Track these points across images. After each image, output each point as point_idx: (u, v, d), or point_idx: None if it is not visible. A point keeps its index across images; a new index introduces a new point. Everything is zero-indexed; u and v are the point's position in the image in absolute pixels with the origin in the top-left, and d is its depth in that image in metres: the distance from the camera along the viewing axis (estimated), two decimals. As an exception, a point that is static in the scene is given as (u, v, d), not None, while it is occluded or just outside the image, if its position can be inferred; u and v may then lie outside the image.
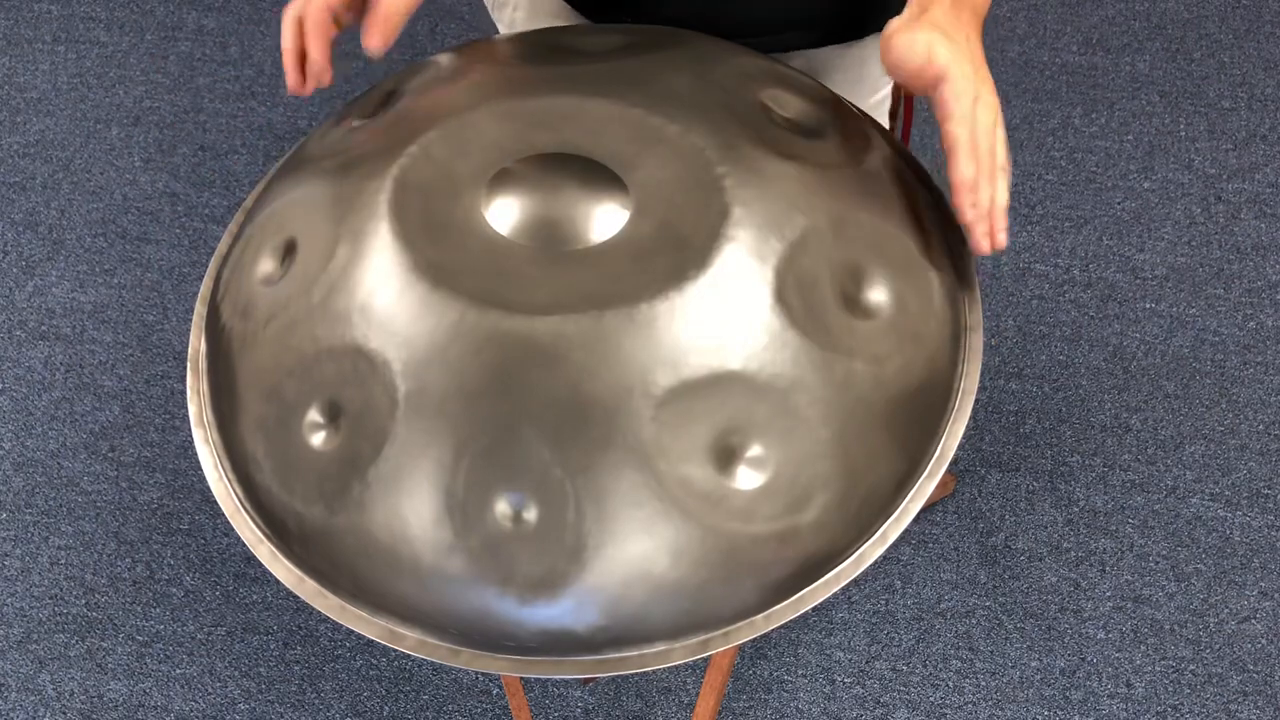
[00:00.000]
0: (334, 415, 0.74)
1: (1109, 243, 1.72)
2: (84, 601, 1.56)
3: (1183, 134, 1.80)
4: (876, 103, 1.07)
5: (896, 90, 1.16)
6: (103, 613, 1.55)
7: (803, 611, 0.75)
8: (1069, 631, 1.48)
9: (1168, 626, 1.48)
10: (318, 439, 0.74)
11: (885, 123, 1.12)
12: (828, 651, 1.48)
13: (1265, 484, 1.55)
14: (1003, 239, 0.82)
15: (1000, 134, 0.81)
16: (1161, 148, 1.79)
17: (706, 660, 1.43)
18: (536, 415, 0.70)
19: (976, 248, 0.80)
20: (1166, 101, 1.83)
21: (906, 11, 0.81)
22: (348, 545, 0.74)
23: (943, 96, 0.79)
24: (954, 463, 1.58)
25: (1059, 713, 1.44)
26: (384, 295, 0.74)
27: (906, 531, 1.54)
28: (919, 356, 0.77)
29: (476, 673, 1.49)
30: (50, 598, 1.56)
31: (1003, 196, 0.81)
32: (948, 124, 0.79)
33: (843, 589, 1.52)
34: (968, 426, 1.61)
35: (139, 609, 1.55)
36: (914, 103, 1.17)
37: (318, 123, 1.91)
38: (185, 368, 1.71)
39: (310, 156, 0.85)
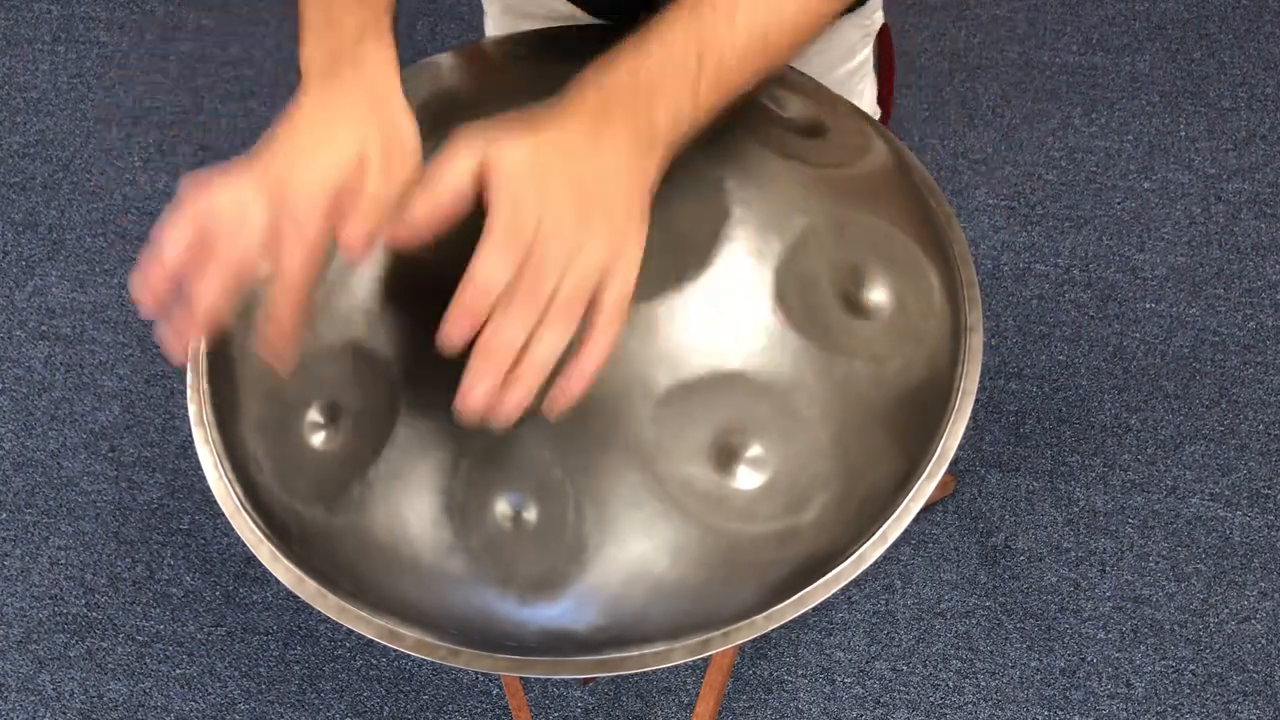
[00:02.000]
0: (334, 415, 0.74)
1: (1109, 243, 1.72)
2: (84, 601, 1.56)
3: (1183, 134, 1.81)
4: (855, 68, 1.04)
5: (877, 53, 1.14)
6: (103, 613, 1.55)
7: (803, 611, 0.75)
8: (1069, 631, 1.48)
9: (1168, 626, 1.48)
10: (318, 439, 0.74)
11: (869, 90, 1.09)
12: (828, 651, 1.48)
13: (1265, 484, 1.55)
14: (510, 406, 0.58)
15: (578, 268, 0.58)
16: (1161, 148, 1.79)
17: (706, 660, 1.43)
18: (536, 415, 0.70)
19: (461, 400, 0.58)
20: (1166, 101, 1.83)
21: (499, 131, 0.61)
22: (348, 545, 0.74)
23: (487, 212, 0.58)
24: (954, 463, 1.58)
25: (1059, 713, 1.44)
26: (384, 295, 0.74)
27: (906, 531, 1.54)
28: (919, 356, 0.77)
29: (476, 673, 1.49)
30: (50, 598, 1.56)
31: (545, 349, 0.58)
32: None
33: (843, 589, 1.52)
34: (968, 426, 1.61)
35: (139, 609, 1.55)
36: (893, 66, 1.14)
37: (318, 123, 1.91)
38: (185, 368, 1.71)
39: (310, 156, 0.85)
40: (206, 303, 0.59)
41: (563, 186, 0.60)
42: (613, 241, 0.60)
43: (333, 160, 0.61)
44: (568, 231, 0.59)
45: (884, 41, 1.11)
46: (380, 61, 0.67)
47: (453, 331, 0.59)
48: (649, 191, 0.64)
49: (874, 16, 1.04)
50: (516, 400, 0.59)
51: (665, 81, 0.65)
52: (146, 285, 0.59)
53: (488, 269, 0.58)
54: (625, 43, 0.66)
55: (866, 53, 1.06)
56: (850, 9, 0.98)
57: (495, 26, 1.09)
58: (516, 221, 0.58)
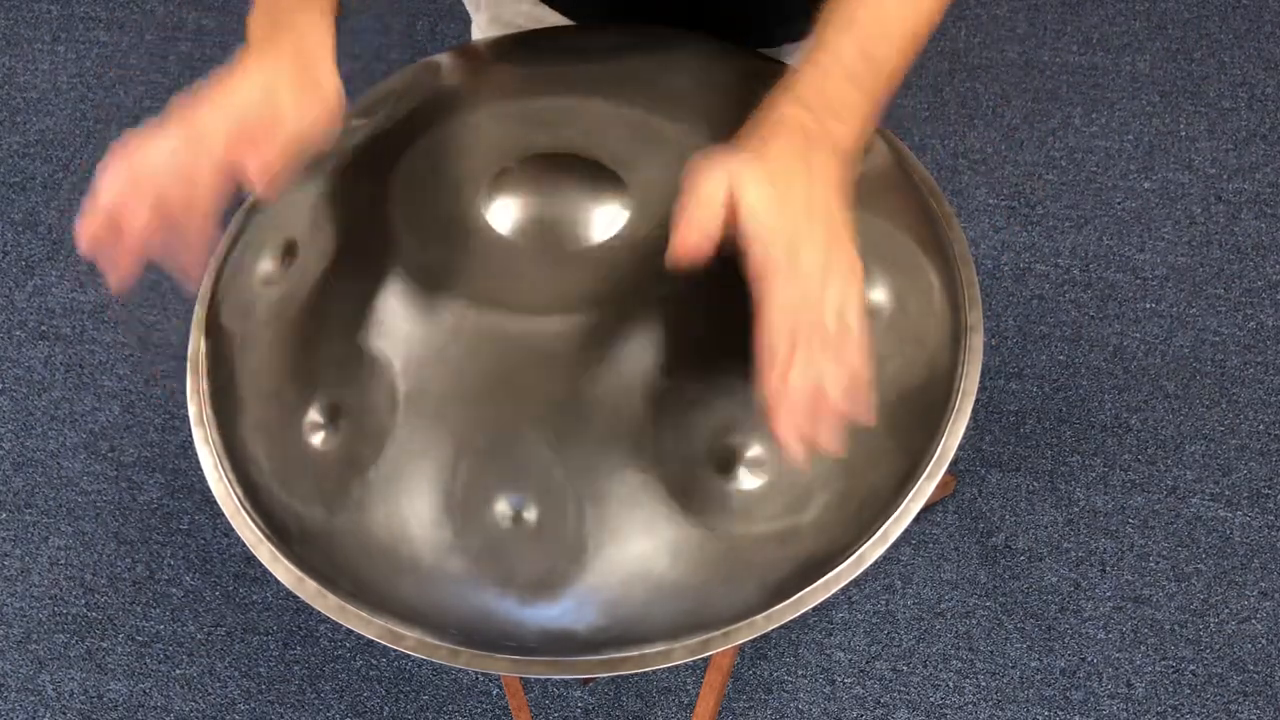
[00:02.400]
0: (334, 416, 0.74)
1: (1109, 243, 1.72)
2: (84, 601, 1.56)
3: (1183, 134, 1.80)
4: None
5: None
6: (103, 613, 1.55)
7: (803, 611, 0.75)
8: (1069, 631, 1.48)
9: (1168, 626, 1.48)
10: (318, 439, 0.74)
11: None
12: (828, 651, 1.48)
13: (1265, 484, 1.55)
14: (828, 439, 0.62)
15: (835, 295, 0.63)
16: (1161, 148, 1.79)
17: (706, 660, 1.43)
18: (536, 416, 0.70)
19: (780, 441, 0.63)
20: (1166, 101, 1.83)
21: (728, 152, 0.67)
22: (348, 545, 0.74)
23: (750, 249, 0.64)
24: (954, 463, 1.58)
25: (1059, 713, 1.44)
26: (384, 296, 0.74)
27: (906, 531, 1.54)
28: (919, 357, 0.77)
29: (476, 673, 1.49)
30: (50, 598, 1.56)
31: (833, 385, 0.62)
32: (757, 284, 0.64)
33: (843, 589, 1.52)
34: (968, 426, 1.61)
35: (139, 609, 1.55)
36: None
37: (318, 123, 1.91)
38: (185, 368, 1.71)
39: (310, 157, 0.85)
40: (136, 232, 0.65)
41: (804, 222, 0.64)
42: (848, 259, 0.65)
43: (241, 99, 0.66)
44: (824, 262, 0.64)
45: None
46: (311, 25, 0.71)
47: (775, 366, 0.63)
48: (847, 207, 0.68)
49: None
50: (831, 440, 0.63)
51: (846, 105, 0.70)
52: (85, 228, 0.65)
53: (787, 306, 0.63)
54: (801, 73, 0.71)
55: None
56: None
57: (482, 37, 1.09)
58: (791, 263, 0.63)
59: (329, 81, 0.70)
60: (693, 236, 0.64)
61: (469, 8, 1.07)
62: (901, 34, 0.72)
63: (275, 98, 0.67)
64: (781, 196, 0.64)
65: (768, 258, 0.63)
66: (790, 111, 0.69)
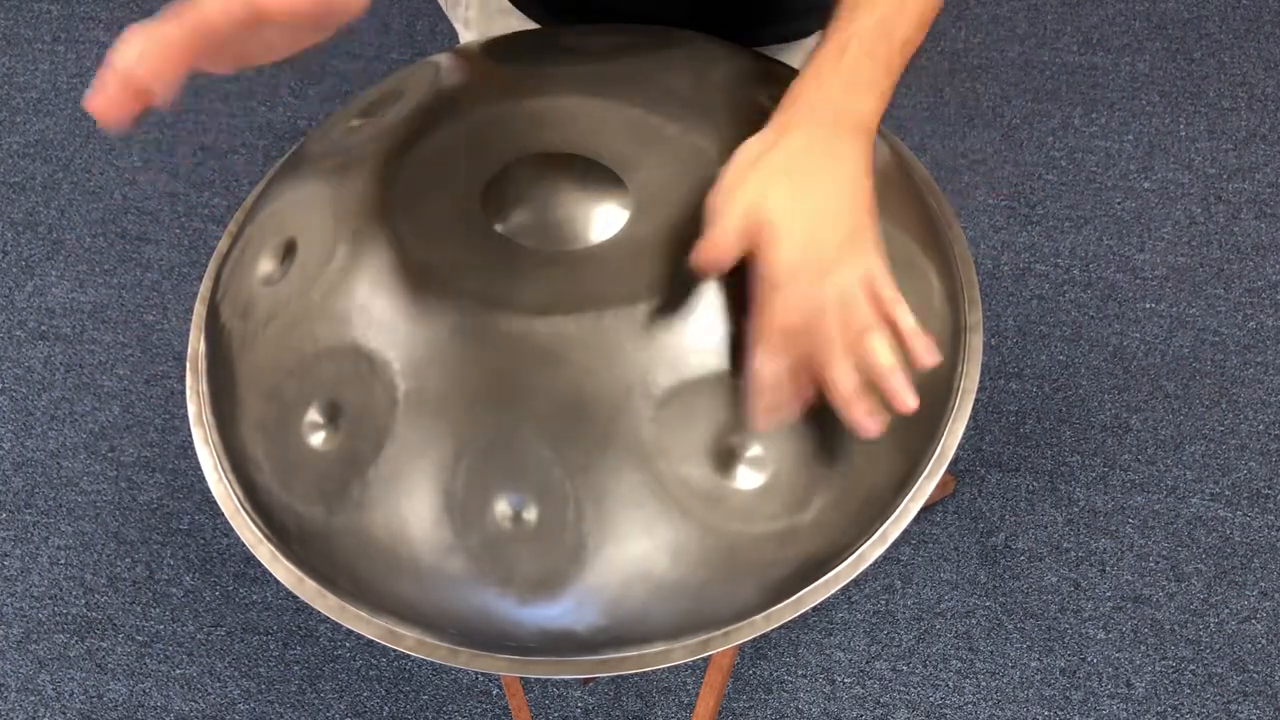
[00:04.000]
0: (334, 415, 0.74)
1: (1109, 243, 1.72)
2: (84, 601, 1.56)
3: (1183, 134, 1.80)
4: None
5: None
6: (103, 613, 1.55)
7: (803, 611, 0.75)
8: (1069, 631, 1.48)
9: (1168, 626, 1.48)
10: (317, 439, 0.74)
11: None
12: (828, 651, 1.48)
13: (1265, 484, 1.55)
14: (908, 399, 0.68)
15: (862, 290, 0.68)
16: (1161, 148, 1.79)
17: (706, 660, 1.43)
18: (536, 415, 0.70)
19: (859, 428, 0.68)
20: (1166, 101, 1.83)
21: (758, 138, 0.71)
22: (347, 545, 0.74)
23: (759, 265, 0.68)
24: (954, 463, 1.58)
25: (1059, 713, 1.44)
26: (384, 295, 0.74)
27: (906, 531, 1.54)
28: (919, 356, 0.77)
29: (476, 673, 1.49)
30: (50, 598, 1.56)
31: (885, 358, 0.68)
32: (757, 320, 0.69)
33: (843, 589, 1.52)
34: (968, 426, 1.61)
35: (139, 609, 1.55)
36: None
37: (318, 122, 1.91)
38: (185, 368, 1.71)
39: (310, 156, 0.85)
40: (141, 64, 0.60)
41: (825, 220, 0.68)
42: (868, 250, 0.68)
43: None
44: (841, 267, 0.67)
45: None
46: None
47: (767, 400, 0.69)
48: (870, 186, 0.71)
49: None
50: (906, 399, 0.68)
51: (867, 78, 0.72)
52: (98, 91, 0.60)
53: (785, 326, 0.67)
54: (820, 53, 0.73)
55: None
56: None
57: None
58: (797, 282, 0.67)
59: None
60: (710, 253, 0.69)
61: (457, 26, 1.07)
62: (919, 11, 0.73)
63: None
64: (800, 202, 0.67)
65: (771, 281, 0.67)
66: (814, 93, 0.71)
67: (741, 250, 0.68)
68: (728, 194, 0.69)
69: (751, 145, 0.70)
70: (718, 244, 0.68)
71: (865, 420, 0.68)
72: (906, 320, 0.68)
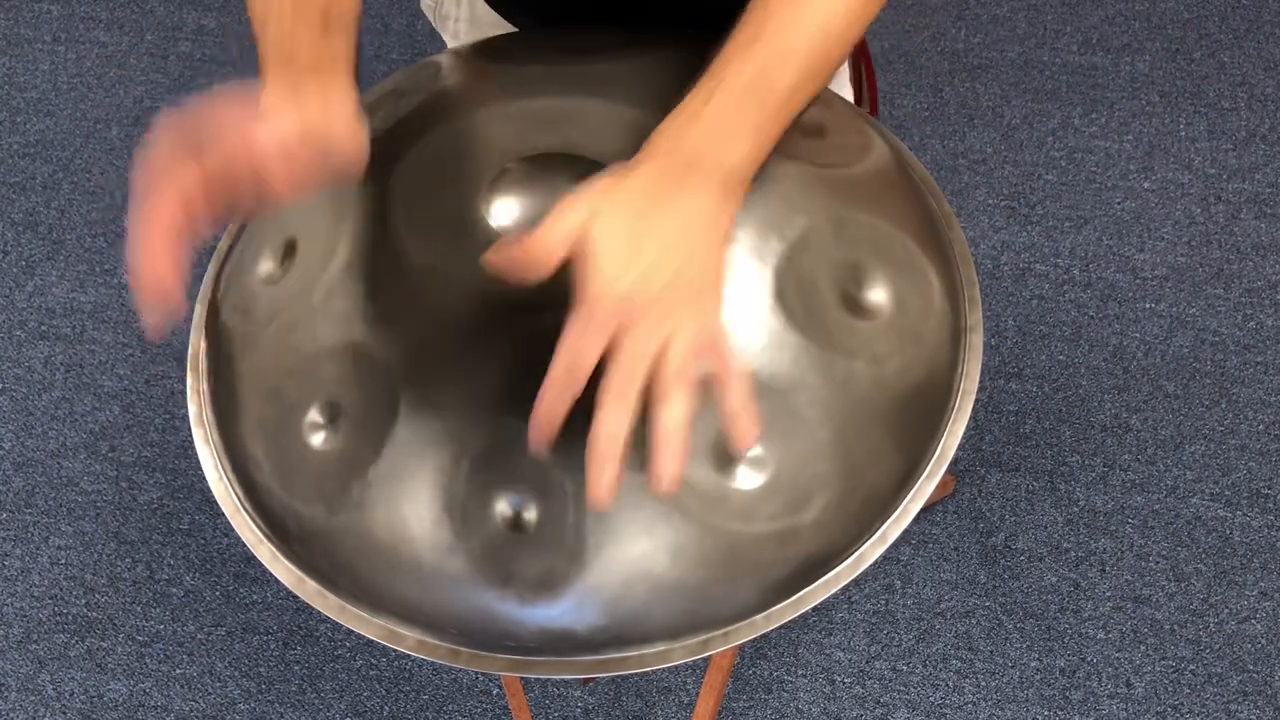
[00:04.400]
0: (334, 415, 0.74)
1: (1109, 243, 1.72)
2: (84, 601, 1.56)
3: (1183, 134, 1.80)
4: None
5: (854, 60, 1.15)
6: (103, 613, 1.55)
7: (803, 611, 0.75)
8: (1069, 631, 1.48)
9: (1168, 626, 1.48)
10: (318, 439, 0.74)
11: (847, 94, 1.11)
12: (828, 651, 1.48)
13: (1265, 484, 1.55)
14: (667, 478, 0.61)
15: (685, 342, 0.63)
16: (1161, 148, 1.79)
17: (706, 660, 1.43)
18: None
19: (593, 495, 0.62)
20: (1166, 101, 1.83)
21: (605, 174, 0.67)
22: (348, 545, 0.74)
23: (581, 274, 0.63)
24: (954, 463, 1.58)
25: (1059, 713, 1.44)
26: (384, 296, 0.74)
27: (906, 531, 1.54)
28: (919, 356, 0.77)
29: (476, 673, 1.49)
30: (50, 598, 1.56)
31: (675, 419, 0.61)
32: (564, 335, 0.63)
33: (843, 589, 1.52)
34: (968, 426, 1.61)
35: (139, 609, 1.55)
36: (875, 77, 1.15)
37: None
38: (185, 368, 1.71)
39: (310, 156, 0.84)
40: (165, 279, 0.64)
41: (655, 257, 0.64)
42: (704, 310, 0.64)
43: (284, 124, 0.66)
44: (663, 307, 0.63)
45: (858, 54, 1.12)
46: (337, 87, 0.70)
47: (544, 416, 0.63)
48: (729, 233, 0.68)
49: None
50: (673, 471, 0.62)
51: (736, 125, 0.68)
52: (152, 320, 0.66)
53: (578, 353, 0.62)
54: (692, 91, 0.70)
55: (842, 67, 1.07)
56: None
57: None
58: (604, 304, 0.62)
59: (356, 125, 0.70)
60: (520, 253, 0.64)
61: (446, 39, 1.08)
62: (808, 55, 0.70)
63: (311, 130, 0.67)
64: (634, 237, 0.64)
65: (586, 295, 0.63)
66: (669, 139, 0.68)
67: (550, 261, 0.64)
68: (559, 209, 0.65)
69: (597, 180, 0.66)
70: (528, 246, 0.64)
71: (600, 487, 0.61)
72: (732, 397, 0.63)
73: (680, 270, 0.64)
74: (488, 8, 1.02)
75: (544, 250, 0.64)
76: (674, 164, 0.67)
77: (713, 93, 0.69)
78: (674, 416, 0.62)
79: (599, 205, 0.65)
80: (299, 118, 0.66)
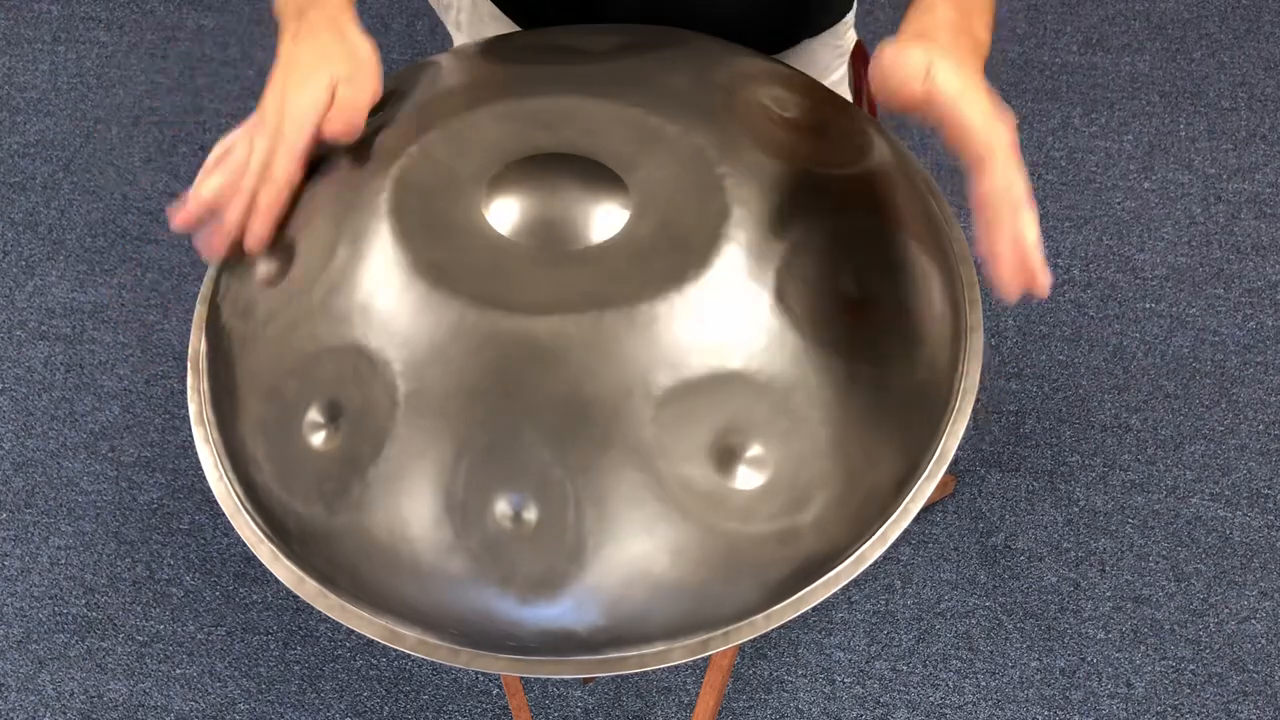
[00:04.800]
0: (334, 415, 0.74)
1: (1109, 243, 1.72)
2: (84, 601, 1.56)
3: (1183, 134, 1.80)
4: (831, 85, 1.07)
5: (853, 62, 1.16)
6: (103, 613, 1.55)
7: (803, 611, 0.75)
8: (1069, 631, 1.48)
9: (1168, 626, 1.48)
10: (318, 439, 0.74)
11: (847, 95, 1.12)
12: (828, 651, 1.48)
13: (1265, 484, 1.55)
14: (1041, 283, 0.71)
15: (1023, 173, 0.73)
16: (1161, 148, 1.79)
17: (706, 660, 1.43)
18: (536, 415, 0.70)
19: (1005, 292, 0.72)
20: (1166, 101, 1.83)
21: (900, 35, 0.75)
22: (348, 545, 0.74)
23: (967, 140, 0.71)
24: (954, 463, 1.58)
25: (1059, 713, 1.44)
26: (384, 295, 0.74)
27: (906, 531, 1.54)
28: (919, 357, 0.77)
29: (476, 673, 1.49)
30: (50, 598, 1.56)
31: (1033, 234, 0.72)
32: (985, 181, 0.71)
33: (843, 589, 1.52)
34: (968, 426, 1.61)
35: (139, 609, 1.55)
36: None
37: (318, 123, 1.91)
38: (185, 368, 1.71)
39: (310, 156, 0.85)
40: (232, 223, 0.79)
41: (996, 108, 0.72)
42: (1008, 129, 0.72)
43: (311, 94, 0.78)
44: (1013, 148, 0.71)
45: (857, 59, 1.12)
46: (347, 20, 0.82)
47: (1004, 239, 0.70)
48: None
49: (846, 36, 1.05)
50: (1042, 284, 0.71)
51: (977, 4, 0.78)
52: (183, 213, 0.79)
53: (1003, 186, 0.70)
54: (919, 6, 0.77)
55: (841, 72, 1.07)
56: (821, 30, 1.00)
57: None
58: (1002, 148, 0.70)
59: (365, 51, 0.81)
60: (894, 82, 0.71)
61: (450, 28, 1.08)
62: None
63: (336, 85, 0.79)
64: (979, 88, 0.72)
65: (987, 145, 0.70)
66: (949, 13, 0.75)
67: (910, 91, 0.71)
68: (900, 49, 0.72)
69: (909, 42, 0.74)
70: (886, 65, 0.71)
71: (1017, 288, 0.69)
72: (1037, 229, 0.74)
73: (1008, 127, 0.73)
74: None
75: (902, 79, 0.71)
76: (965, 42, 0.75)
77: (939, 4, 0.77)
78: (1032, 230, 0.70)
79: (941, 60, 0.72)
80: (320, 75, 0.79)
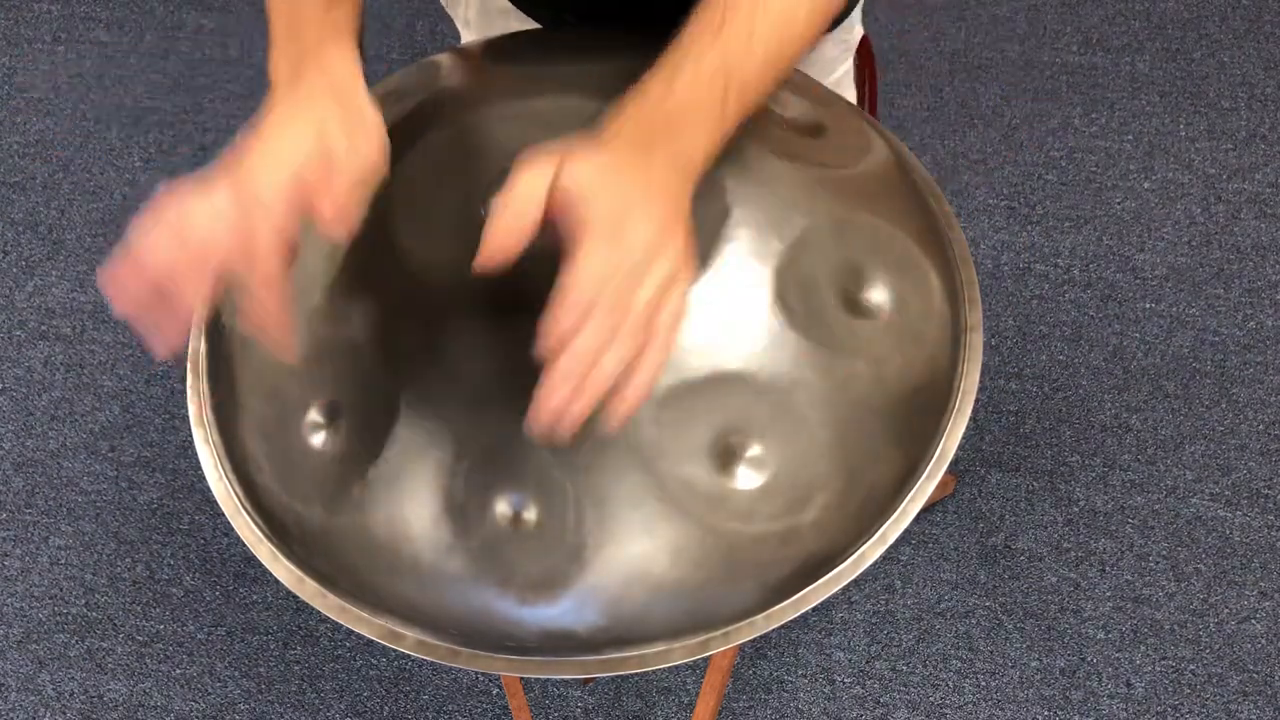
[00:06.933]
0: (334, 415, 0.74)
1: (1109, 243, 1.72)
2: (84, 601, 1.56)
3: (1183, 134, 1.80)
4: (834, 82, 1.06)
5: (859, 62, 1.15)
6: (103, 613, 1.55)
7: (803, 611, 0.75)
8: (1069, 631, 1.48)
9: (1168, 626, 1.48)
10: (318, 439, 0.74)
11: (850, 95, 1.11)
12: (828, 651, 1.48)
13: (1265, 484, 1.55)
14: (575, 417, 0.59)
15: (653, 283, 0.60)
16: (1161, 148, 1.79)
17: (706, 660, 1.43)
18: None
19: (536, 404, 0.59)
20: (1166, 101, 1.83)
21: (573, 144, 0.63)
22: (348, 545, 0.74)
23: (572, 213, 0.60)
24: (954, 463, 1.58)
25: (1059, 713, 1.44)
26: (384, 295, 0.74)
27: (906, 531, 1.55)
28: (919, 356, 0.77)
29: (476, 673, 1.49)
30: (50, 598, 1.56)
31: (614, 361, 0.59)
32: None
33: (843, 589, 1.52)
34: (968, 426, 1.61)
35: (139, 609, 1.55)
36: (877, 78, 1.15)
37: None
38: (185, 368, 1.71)
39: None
40: (188, 302, 0.60)
41: (638, 200, 0.61)
42: (680, 255, 0.62)
43: (293, 148, 0.62)
44: (652, 242, 0.60)
45: (864, 54, 1.12)
46: (340, 58, 0.69)
47: (560, 327, 0.59)
48: (688, 217, 0.66)
49: (853, 31, 1.05)
50: (580, 411, 0.60)
51: (696, 111, 0.67)
52: (119, 284, 0.60)
53: (595, 270, 0.58)
54: (653, 73, 0.68)
55: (846, 66, 1.07)
56: (829, 26, 1.00)
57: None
58: (613, 229, 0.59)
59: (371, 114, 0.67)
60: (499, 239, 0.60)
61: (458, 25, 1.08)
62: (765, 53, 0.69)
63: (327, 142, 0.63)
64: (614, 182, 0.61)
65: (588, 221, 0.59)
66: (630, 124, 0.66)
67: (537, 219, 0.60)
68: (519, 175, 0.61)
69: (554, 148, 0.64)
70: (500, 219, 0.59)
71: (557, 401, 0.58)
72: (656, 361, 0.60)
73: (667, 221, 0.62)
74: None
75: (518, 218, 0.60)
76: (634, 145, 0.64)
77: (684, 73, 0.67)
78: (615, 359, 0.59)
79: (569, 160, 0.61)
80: (309, 127, 0.63)
